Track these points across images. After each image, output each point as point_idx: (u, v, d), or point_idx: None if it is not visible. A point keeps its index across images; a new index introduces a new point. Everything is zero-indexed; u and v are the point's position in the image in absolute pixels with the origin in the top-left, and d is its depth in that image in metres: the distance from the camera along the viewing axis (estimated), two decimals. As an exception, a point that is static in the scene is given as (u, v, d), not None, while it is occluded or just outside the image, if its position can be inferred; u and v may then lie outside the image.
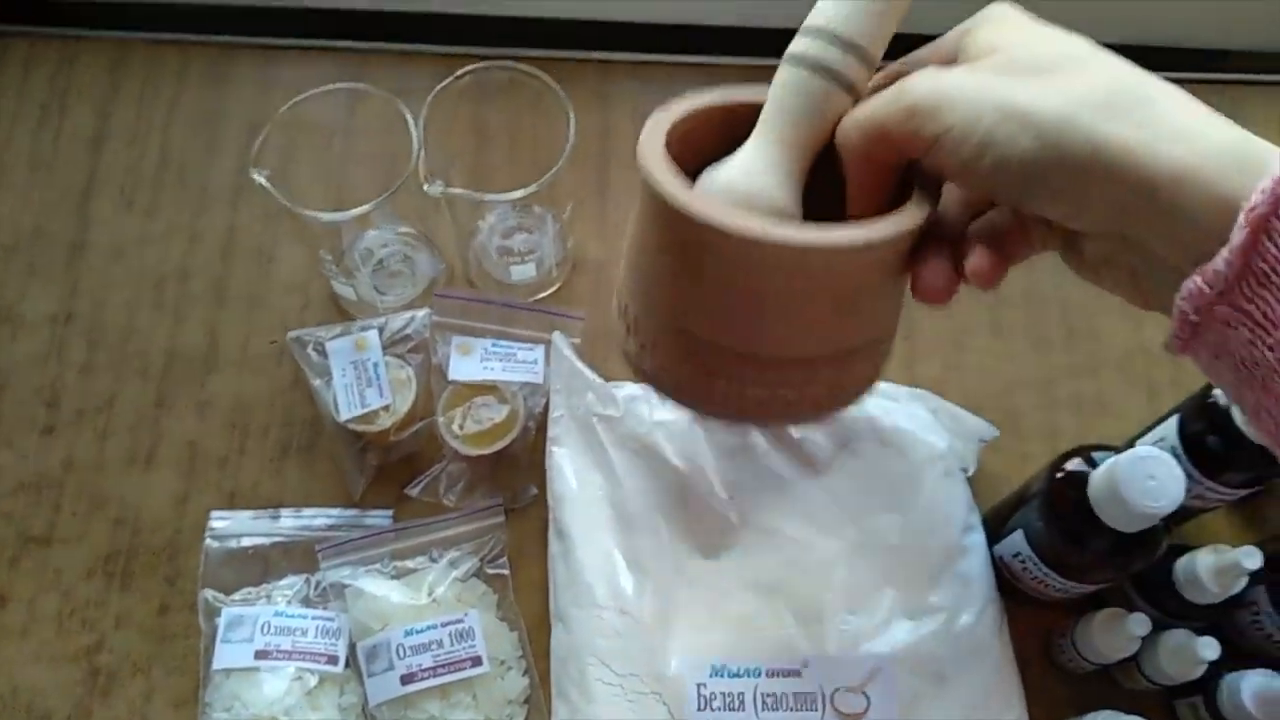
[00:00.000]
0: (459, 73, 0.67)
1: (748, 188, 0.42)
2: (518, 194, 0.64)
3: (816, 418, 0.45)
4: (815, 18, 0.44)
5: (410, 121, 0.65)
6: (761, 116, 0.44)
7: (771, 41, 0.84)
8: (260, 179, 0.63)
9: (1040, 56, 0.39)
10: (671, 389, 0.44)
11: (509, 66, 0.68)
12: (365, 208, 0.63)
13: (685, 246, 0.39)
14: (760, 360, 0.41)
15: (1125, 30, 0.86)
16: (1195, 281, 0.35)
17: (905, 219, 0.40)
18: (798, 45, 0.44)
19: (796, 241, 0.37)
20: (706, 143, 0.46)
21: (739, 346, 0.41)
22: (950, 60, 0.42)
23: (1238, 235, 0.34)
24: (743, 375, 0.41)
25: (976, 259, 0.42)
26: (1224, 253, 0.34)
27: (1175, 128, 0.36)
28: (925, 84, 0.39)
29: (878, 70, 0.43)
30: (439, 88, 0.66)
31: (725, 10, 0.85)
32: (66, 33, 0.85)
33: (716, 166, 0.44)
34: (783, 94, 0.44)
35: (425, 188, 0.64)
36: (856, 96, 0.44)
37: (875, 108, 0.41)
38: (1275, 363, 0.35)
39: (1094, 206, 0.38)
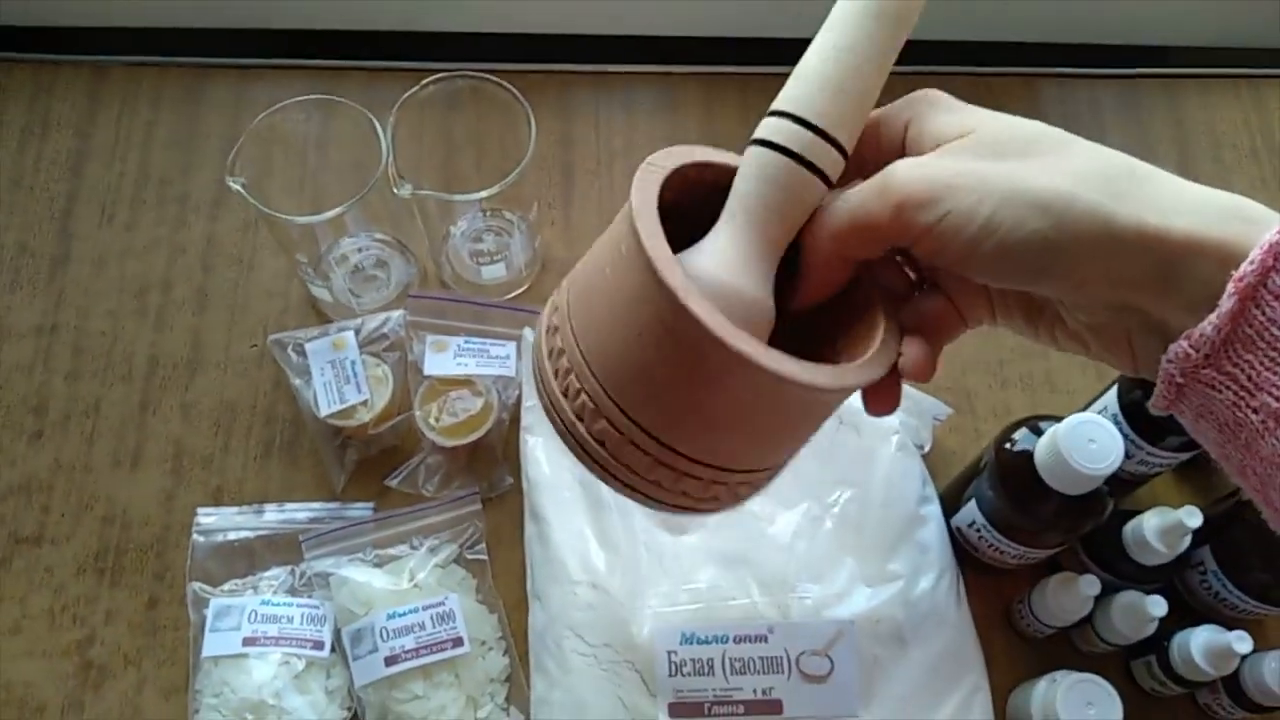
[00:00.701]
0: (425, 81, 0.70)
1: (730, 287, 0.40)
2: (483, 194, 0.67)
3: (711, 511, 0.42)
4: (786, 102, 0.43)
5: (379, 128, 0.68)
6: (735, 198, 0.42)
7: (725, 50, 0.89)
8: (236, 186, 0.66)
9: (1021, 137, 0.39)
10: (590, 456, 0.40)
11: (472, 75, 0.71)
12: (339, 210, 0.66)
13: (670, 339, 0.37)
14: (703, 462, 0.39)
15: (1067, 29, 0.91)
16: (1182, 346, 0.36)
17: (882, 360, 0.40)
18: (768, 129, 0.42)
19: (799, 379, 0.36)
20: (682, 191, 0.43)
21: (688, 446, 0.39)
22: (892, 152, 0.41)
23: (1226, 303, 0.34)
24: (678, 467, 0.39)
25: (914, 354, 0.42)
26: (1212, 318, 0.35)
27: (1177, 200, 0.36)
28: (913, 174, 0.39)
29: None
30: (406, 95, 0.69)
31: (681, 21, 0.89)
32: (44, 58, 0.88)
33: (695, 251, 0.41)
34: (758, 182, 0.42)
35: (395, 189, 0.66)
36: (829, 185, 0.43)
37: (860, 202, 0.40)
38: (1259, 424, 0.36)
39: (1101, 281, 0.38)
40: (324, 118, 0.76)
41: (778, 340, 0.39)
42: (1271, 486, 0.37)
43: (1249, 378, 0.35)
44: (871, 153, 0.42)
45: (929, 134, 0.40)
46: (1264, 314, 0.34)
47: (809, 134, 0.41)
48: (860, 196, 0.40)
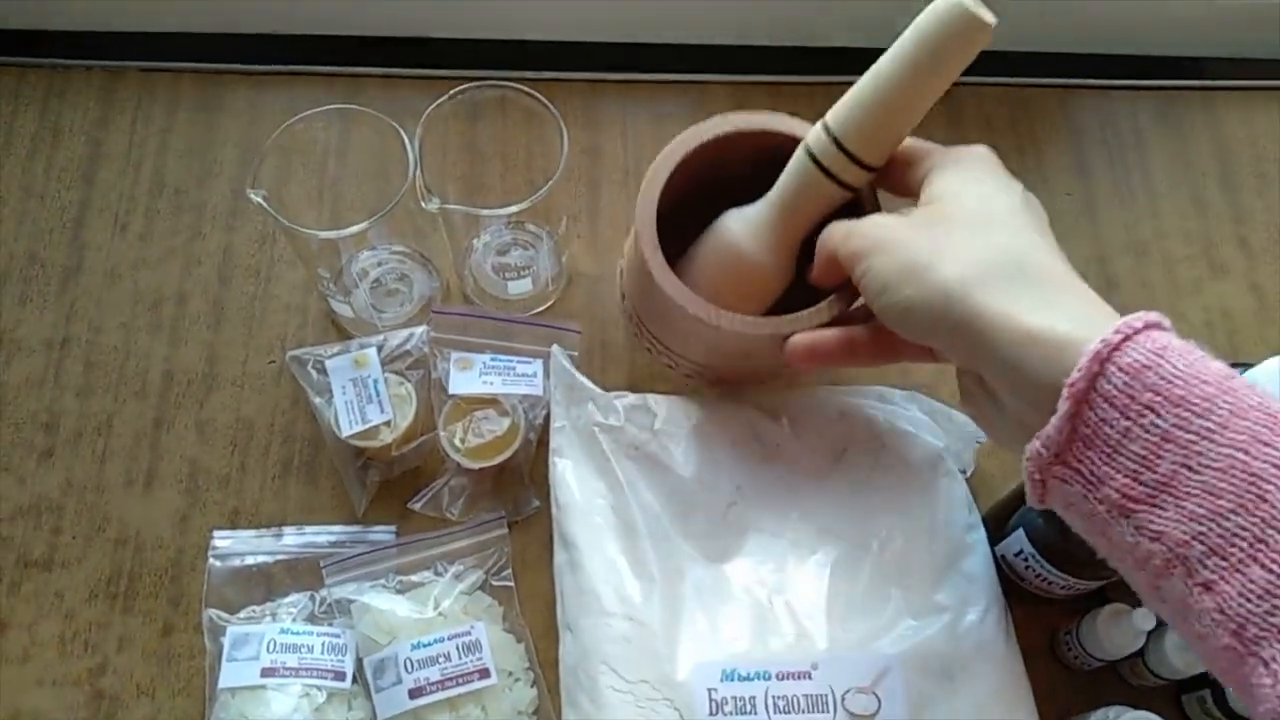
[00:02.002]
0: (454, 91, 0.67)
1: (751, 254, 0.60)
2: (513, 208, 0.65)
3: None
4: (831, 114, 0.55)
5: (406, 139, 0.65)
6: (778, 183, 0.58)
7: (756, 59, 0.88)
8: (258, 199, 0.63)
9: (962, 214, 0.49)
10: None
11: (501, 85, 0.68)
12: (363, 225, 0.64)
13: (654, 292, 0.59)
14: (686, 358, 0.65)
15: (1102, 40, 0.88)
16: (1035, 445, 0.42)
17: (811, 318, 0.58)
18: (811, 135, 0.56)
19: (724, 327, 0.58)
20: (730, 155, 0.62)
21: (675, 346, 0.64)
22: (914, 186, 0.54)
23: (1063, 406, 0.40)
24: (673, 358, 0.66)
25: (797, 341, 0.58)
26: (1054, 420, 0.41)
27: (1040, 302, 0.44)
28: (867, 233, 0.52)
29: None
30: (433, 105, 0.67)
31: (711, 29, 0.87)
32: (56, 63, 0.85)
33: (739, 214, 0.61)
34: (794, 178, 0.57)
35: (423, 204, 0.64)
36: (852, 191, 0.56)
37: (838, 238, 0.54)
38: (1105, 514, 0.41)
39: (962, 353, 0.48)
40: (345, 126, 0.74)
41: (797, 294, 0.60)
42: (1131, 569, 0.42)
43: (1092, 473, 0.41)
44: (902, 181, 0.55)
45: (929, 189, 0.52)
46: (1096, 415, 0.40)
47: (835, 149, 0.54)
48: (841, 231, 0.54)
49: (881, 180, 0.57)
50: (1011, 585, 0.67)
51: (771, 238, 0.59)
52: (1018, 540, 0.64)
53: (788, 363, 0.58)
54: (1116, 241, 0.82)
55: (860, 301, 0.57)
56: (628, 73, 0.86)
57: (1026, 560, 0.64)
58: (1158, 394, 0.39)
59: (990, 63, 0.87)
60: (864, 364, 0.60)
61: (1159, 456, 0.39)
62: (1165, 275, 0.81)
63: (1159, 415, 0.39)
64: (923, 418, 0.68)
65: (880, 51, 0.53)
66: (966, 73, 0.86)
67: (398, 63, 0.86)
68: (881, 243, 0.50)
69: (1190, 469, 0.39)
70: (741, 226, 0.60)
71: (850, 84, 0.54)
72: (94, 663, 0.67)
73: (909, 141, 0.56)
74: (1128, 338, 0.40)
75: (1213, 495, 0.38)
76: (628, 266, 0.65)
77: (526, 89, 0.68)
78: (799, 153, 0.57)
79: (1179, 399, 0.39)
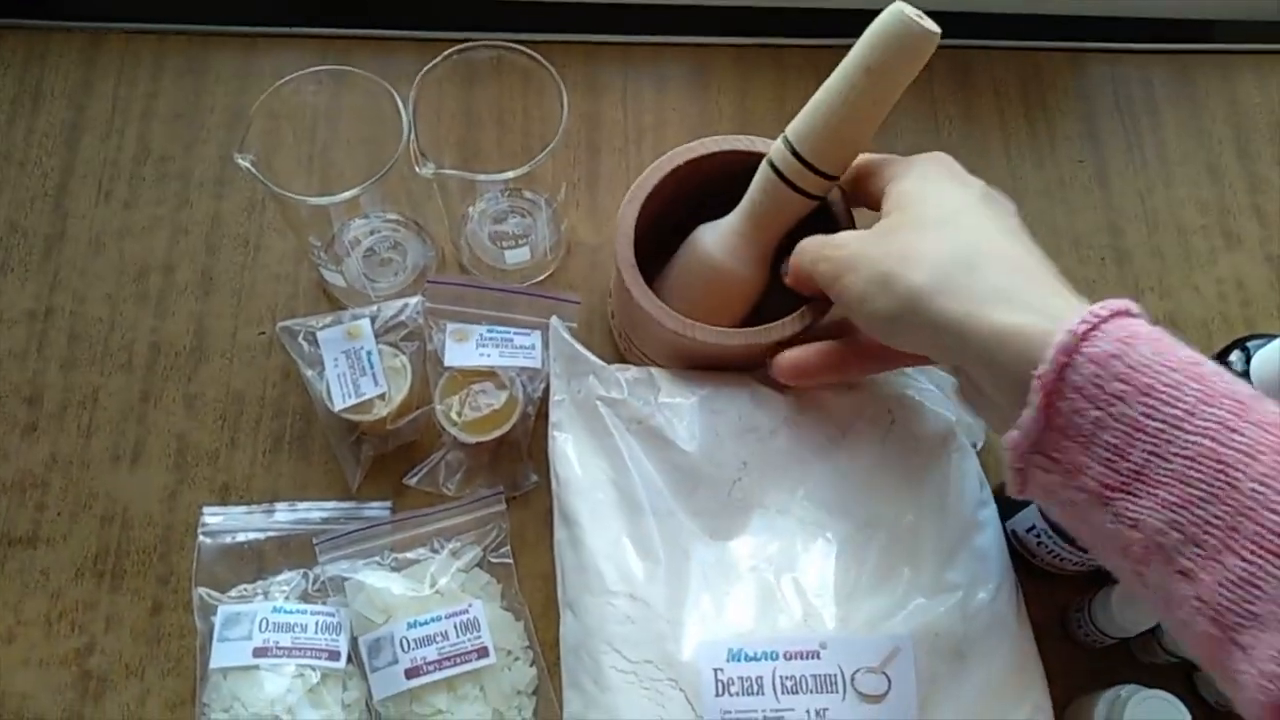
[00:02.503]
0: (448, 52, 0.65)
1: (724, 265, 0.62)
2: (511, 174, 0.63)
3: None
4: (791, 125, 0.57)
5: (400, 103, 0.63)
6: (746, 195, 0.60)
7: (759, 21, 0.86)
8: (245, 163, 0.61)
9: (921, 218, 0.51)
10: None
11: (498, 45, 0.66)
12: (355, 191, 0.61)
13: (631, 304, 0.63)
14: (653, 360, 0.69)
15: (1113, 2, 0.86)
16: (1014, 434, 0.43)
17: (785, 327, 0.61)
18: (773, 147, 0.58)
19: (699, 338, 0.61)
20: (708, 172, 0.64)
21: (648, 349, 0.68)
22: (877, 195, 0.55)
23: (1034, 398, 0.41)
24: (646, 358, 0.69)
25: (783, 358, 0.61)
26: (1028, 412, 0.42)
27: (999, 293, 0.45)
28: (832, 255, 0.53)
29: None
30: (428, 67, 0.64)
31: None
32: (36, 24, 0.82)
33: (712, 227, 0.63)
34: (759, 190, 0.59)
35: (418, 169, 0.62)
36: (817, 200, 0.58)
37: (807, 262, 0.56)
38: (1085, 502, 0.41)
39: (943, 354, 0.49)
40: (334, 90, 0.71)
41: (775, 301, 0.63)
42: (1113, 557, 0.43)
43: (1070, 461, 0.41)
44: (865, 193, 0.58)
45: (891, 197, 0.54)
46: (1068, 405, 0.41)
47: (795, 160, 0.56)
48: (812, 249, 0.56)
49: (849, 194, 0.61)
50: (1021, 561, 0.65)
51: (743, 248, 0.61)
52: (1029, 516, 0.62)
53: (776, 378, 0.62)
54: (1129, 210, 0.80)
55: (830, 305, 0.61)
56: (628, 35, 0.83)
57: (1039, 536, 0.62)
58: (1125, 383, 0.39)
59: (999, 26, 0.85)
60: (856, 376, 0.63)
61: (1131, 445, 0.39)
62: (1178, 245, 0.79)
63: (1127, 404, 0.39)
64: (933, 389, 0.66)
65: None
66: (976, 36, 0.85)
67: (391, 24, 0.83)
68: (848, 261, 0.52)
69: (1161, 457, 0.39)
70: (714, 239, 0.62)
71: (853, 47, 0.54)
72: (81, 642, 0.65)
73: (868, 156, 0.58)
74: (1094, 326, 0.41)
75: (1184, 484, 0.38)
76: (614, 285, 0.69)
77: (525, 49, 0.65)
78: (763, 165, 0.59)
79: (1146, 387, 0.39)
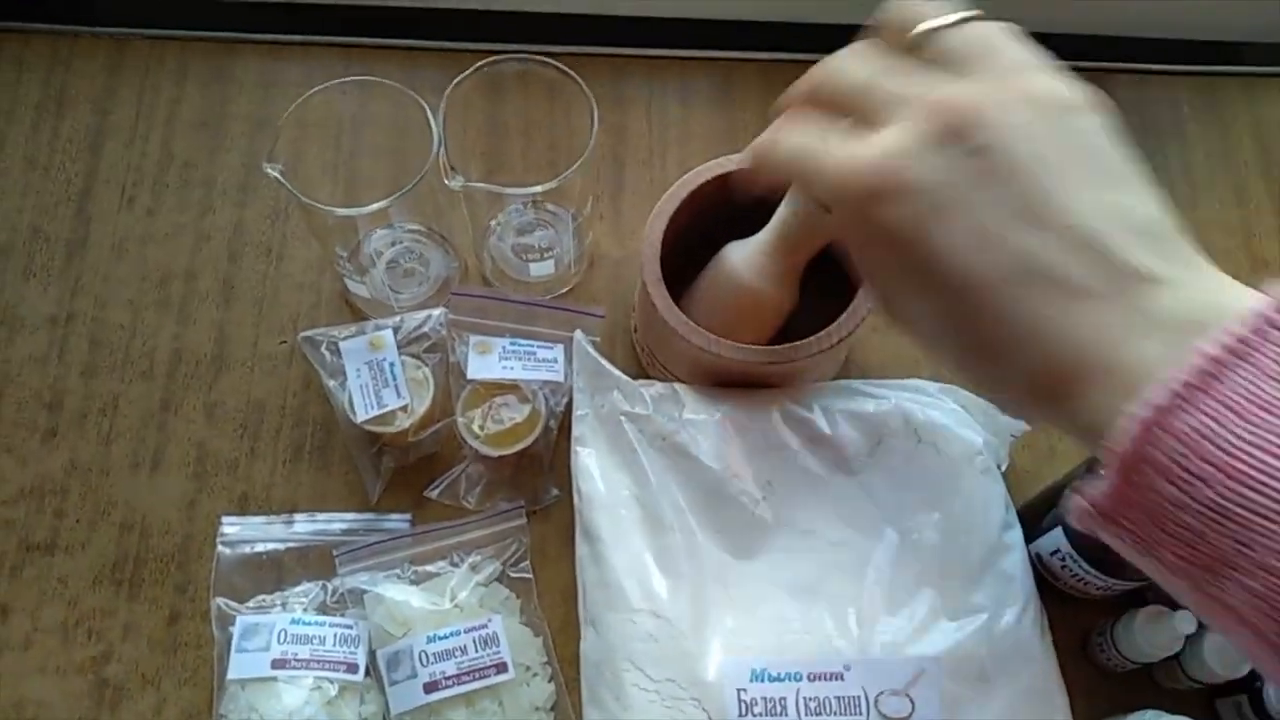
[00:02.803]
0: (480, 64, 0.65)
1: (751, 285, 0.60)
2: (540, 188, 0.63)
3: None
4: None
5: (429, 113, 0.63)
6: (775, 215, 0.58)
7: (785, 36, 0.85)
8: (274, 173, 0.61)
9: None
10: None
11: (527, 58, 0.66)
12: (385, 202, 0.61)
13: (665, 331, 0.62)
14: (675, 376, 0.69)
15: (1140, 24, 0.86)
16: (1080, 502, 0.36)
17: (809, 348, 0.61)
18: None
19: (725, 355, 0.61)
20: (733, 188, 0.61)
21: (670, 364, 0.68)
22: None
23: (1110, 474, 0.34)
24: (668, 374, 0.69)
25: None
26: (1102, 486, 0.34)
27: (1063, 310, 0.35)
28: (870, 151, 0.38)
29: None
30: (459, 79, 0.64)
31: (739, 4, 0.84)
32: (61, 30, 0.82)
33: (741, 245, 0.61)
34: (789, 208, 0.56)
35: (447, 181, 0.62)
36: None
37: (791, 147, 0.42)
38: (1161, 571, 0.35)
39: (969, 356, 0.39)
40: (361, 100, 0.71)
41: (804, 319, 0.62)
42: (1183, 603, 0.37)
43: (1145, 536, 0.35)
44: None
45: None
46: (1143, 480, 0.33)
47: None
48: (789, 143, 0.42)
49: None
50: (1045, 584, 0.65)
51: (771, 267, 0.59)
52: (1055, 539, 0.62)
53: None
54: (1153, 232, 0.80)
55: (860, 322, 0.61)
56: (654, 49, 0.83)
57: (1064, 560, 0.62)
58: (1214, 466, 0.33)
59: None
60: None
61: (1215, 532, 0.33)
62: (1203, 267, 0.79)
63: (1210, 488, 0.33)
64: (959, 411, 0.66)
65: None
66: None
67: (413, 34, 0.83)
68: (902, 178, 0.39)
69: (1249, 548, 0.33)
70: (742, 257, 0.60)
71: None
72: (98, 650, 0.65)
73: None
74: (1196, 386, 0.32)
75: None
76: (638, 300, 0.68)
77: (556, 63, 0.65)
78: (791, 188, 0.57)
79: (1239, 474, 0.32)
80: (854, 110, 0.39)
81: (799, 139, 0.41)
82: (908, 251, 0.37)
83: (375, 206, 0.61)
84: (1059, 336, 0.35)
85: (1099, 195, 0.35)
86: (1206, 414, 0.32)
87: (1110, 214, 0.35)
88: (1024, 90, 0.36)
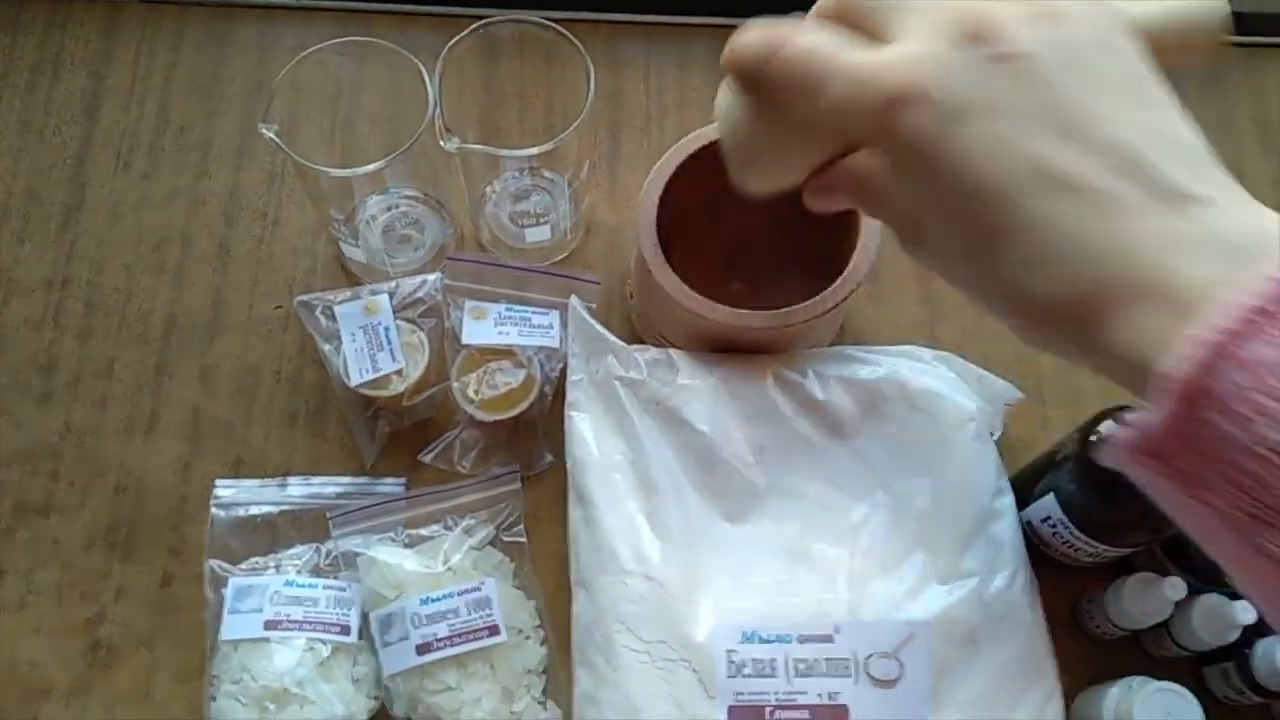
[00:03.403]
0: (476, 25, 0.64)
1: None
2: (535, 150, 0.62)
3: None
4: None
5: (425, 76, 0.63)
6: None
7: (783, 2, 0.83)
8: (270, 134, 0.61)
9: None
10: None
11: (524, 20, 0.65)
12: (381, 163, 0.61)
13: (660, 296, 0.63)
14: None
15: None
16: (1125, 435, 0.31)
17: (804, 313, 0.61)
18: None
19: (719, 320, 0.61)
20: None
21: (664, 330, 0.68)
22: None
23: (1162, 399, 0.30)
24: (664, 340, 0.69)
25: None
26: (1153, 420, 0.30)
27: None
28: (885, 59, 0.34)
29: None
30: (454, 40, 0.64)
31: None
32: (57, -7, 0.82)
33: None
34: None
35: (442, 144, 0.61)
36: None
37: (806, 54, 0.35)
38: (1210, 517, 0.31)
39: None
40: (358, 63, 0.70)
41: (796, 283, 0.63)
42: (1221, 559, 0.32)
43: (1198, 476, 0.30)
44: None
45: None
46: (1202, 414, 0.29)
47: None
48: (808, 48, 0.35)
49: None
50: (1035, 551, 0.65)
51: None
52: (1046, 506, 0.62)
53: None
54: (1151, 203, 0.79)
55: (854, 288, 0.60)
56: (652, 14, 0.83)
57: (1055, 527, 0.62)
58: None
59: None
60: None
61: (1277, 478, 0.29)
62: (1200, 239, 0.78)
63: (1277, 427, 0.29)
64: (953, 378, 0.66)
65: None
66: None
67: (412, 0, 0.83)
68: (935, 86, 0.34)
69: None
70: None
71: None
72: (91, 612, 0.65)
73: None
74: (1262, 314, 0.28)
75: None
76: (634, 266, 0.68)
77: (554, 25, 0.65)
78: None
79: None
80: (869, 23, 0.36)
81: (809, 40, 0.35)
82: (927, 162, 0.34)
83: (370, 167, 0.60)
84: (1093, 252, 0.31)
85: (1132, 113, 0.33)
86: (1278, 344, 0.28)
87: (1145, 131, 0.32)
88: (1052, 7, 0.33)
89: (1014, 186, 0.32)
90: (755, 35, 0.35)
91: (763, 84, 0.36)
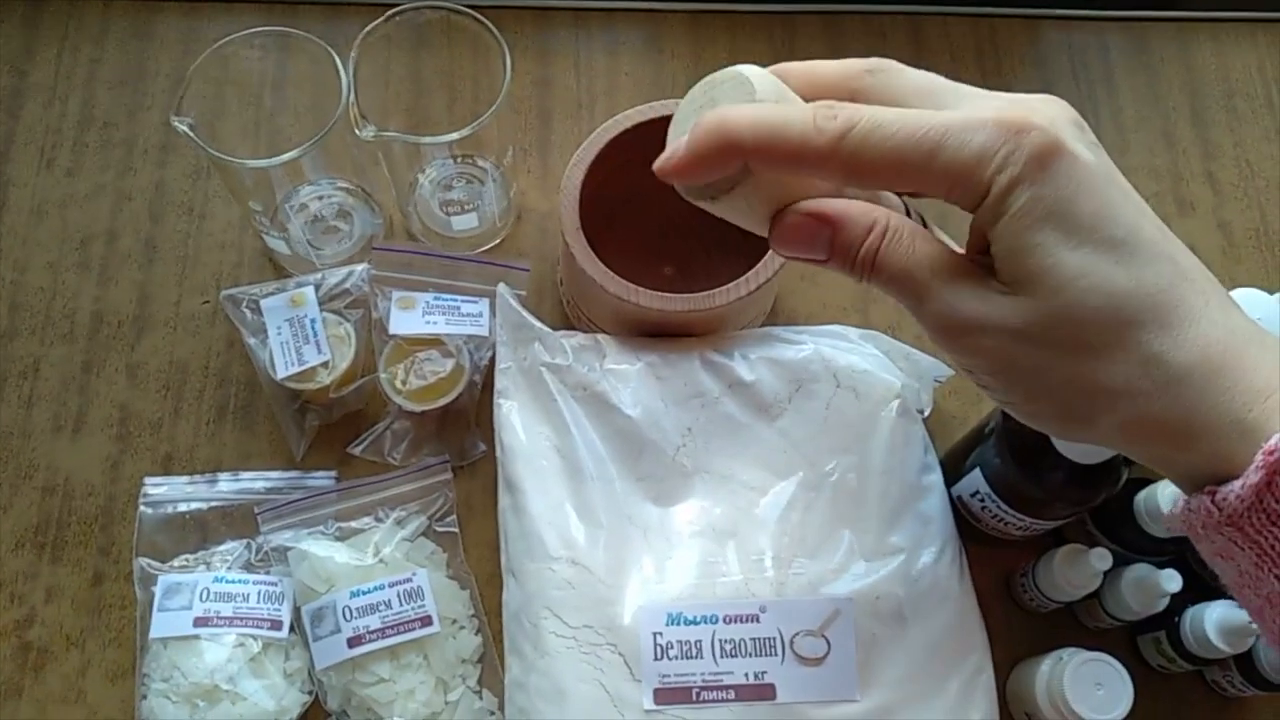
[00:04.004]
0: (391, 13, 0.64)
1: None
2: (452, 136, 0.62)
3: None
4: None
5: (339, 64, 0.62)
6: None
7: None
8: (183, 127, 0.60)
9: (1083, 319, 0.34)
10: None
11: (440, 6, 0.65)
12: (294, 153, 0.61)
13: (584, 281, 0.63)
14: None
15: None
16: (1204, 501, 0.34)
17: (726, 295, 0.61)
18: None
19: (641, 304, 0.61)
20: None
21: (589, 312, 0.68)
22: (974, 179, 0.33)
23: (1254, 475, 0.32)
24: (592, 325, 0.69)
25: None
26: (1236, 487, 0.33)
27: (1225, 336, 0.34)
28: (979, 345, 0.34)
29: None
30: (369, 27, 0.63)
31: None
32: (-24, -10, 0.81)
33: None
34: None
35: (357, 131, 0.61)
36: None
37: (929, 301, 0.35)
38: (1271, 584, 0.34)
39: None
40: (281, 55, 0.70)
41: (720, 264, 0.64)
42: None
43: (1273, 547, 0.33)
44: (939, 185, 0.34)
45: (996, 238, 0.34)
46: None
47: None
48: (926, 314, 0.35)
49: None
50: (967, 527, 0.65)
51: None
52: (974, 481, 0.62)
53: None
54: (1082, 177, 0.80)
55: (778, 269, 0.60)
56: (581, 0, 0.82)
57: (983, 501, 0.62)
58: None
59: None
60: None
61: None
62: (1131, 212, 0.79)
63: None
64: (880, 356, 0.66)
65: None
66: (931, 2, 0.85)
67: (340, -12, 0.82)
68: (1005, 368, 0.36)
69: None
70: None
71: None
72: (21, 614, 0.65)
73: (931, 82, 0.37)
74: None
75: None
76: (561, 252, 0.67)
77: (469, 10, 0.64)
78: None
79: None
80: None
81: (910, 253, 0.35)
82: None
83: (284, 158, 0.60)
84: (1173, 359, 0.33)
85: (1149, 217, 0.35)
86: None
87: (1166, 231, 0.35)
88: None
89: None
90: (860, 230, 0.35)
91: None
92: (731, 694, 0.56)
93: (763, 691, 0.56)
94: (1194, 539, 0.36)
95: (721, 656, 0.57)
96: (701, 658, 0.56)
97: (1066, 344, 0.34)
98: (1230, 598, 0.61)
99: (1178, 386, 0.33)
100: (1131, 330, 0.33)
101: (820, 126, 0.33)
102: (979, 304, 0.34)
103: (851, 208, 0.35)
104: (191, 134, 0.60)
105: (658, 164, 0.35)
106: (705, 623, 0.57)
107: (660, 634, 0.57)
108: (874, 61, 0.37)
